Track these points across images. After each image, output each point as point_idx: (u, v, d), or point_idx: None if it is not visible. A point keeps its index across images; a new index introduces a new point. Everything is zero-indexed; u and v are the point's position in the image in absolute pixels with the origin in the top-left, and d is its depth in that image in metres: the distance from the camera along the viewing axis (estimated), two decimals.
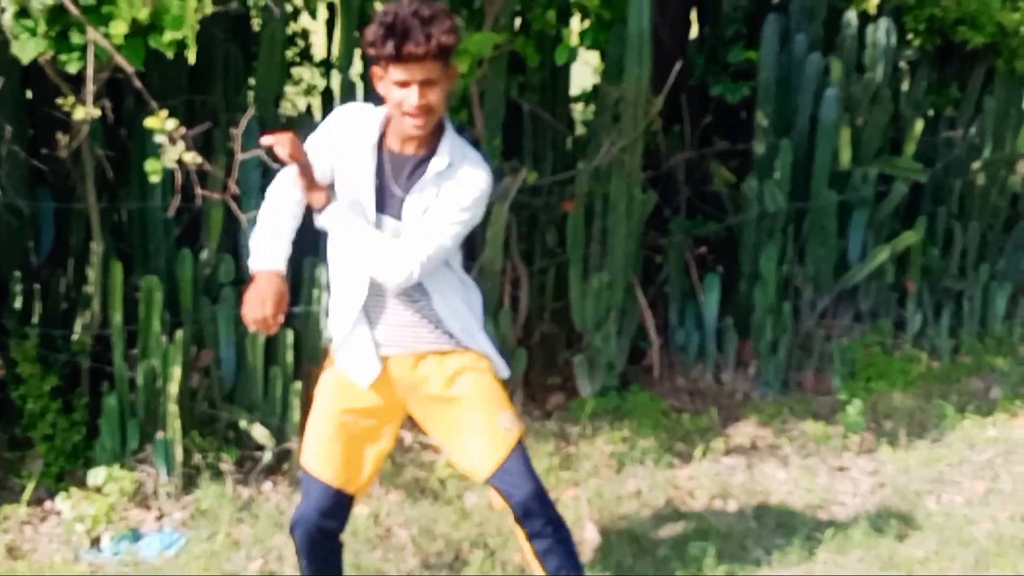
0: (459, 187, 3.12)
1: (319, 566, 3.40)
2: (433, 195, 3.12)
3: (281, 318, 3.14)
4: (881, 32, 5.92)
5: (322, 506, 3.27)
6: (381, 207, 3.14)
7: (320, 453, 3.29)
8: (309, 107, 5.52)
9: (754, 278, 5.83)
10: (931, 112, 6.60)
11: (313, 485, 3.28)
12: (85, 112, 3.80)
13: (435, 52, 2.93)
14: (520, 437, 3.29)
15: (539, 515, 3.29)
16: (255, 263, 3.18)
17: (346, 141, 3.16)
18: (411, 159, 3.14)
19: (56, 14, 3.72)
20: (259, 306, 3.10)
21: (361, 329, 3.22)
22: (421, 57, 2.92)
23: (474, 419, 3.27)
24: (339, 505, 3.30)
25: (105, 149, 4.64)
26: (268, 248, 3.19)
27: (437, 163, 3.11)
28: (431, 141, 3.14)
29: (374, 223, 3.12)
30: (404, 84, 2.97)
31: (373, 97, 5.07)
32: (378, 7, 5.07)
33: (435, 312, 3.23)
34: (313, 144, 3.17)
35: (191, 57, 3.80)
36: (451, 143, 3.15)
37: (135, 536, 4.27)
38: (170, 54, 3.80)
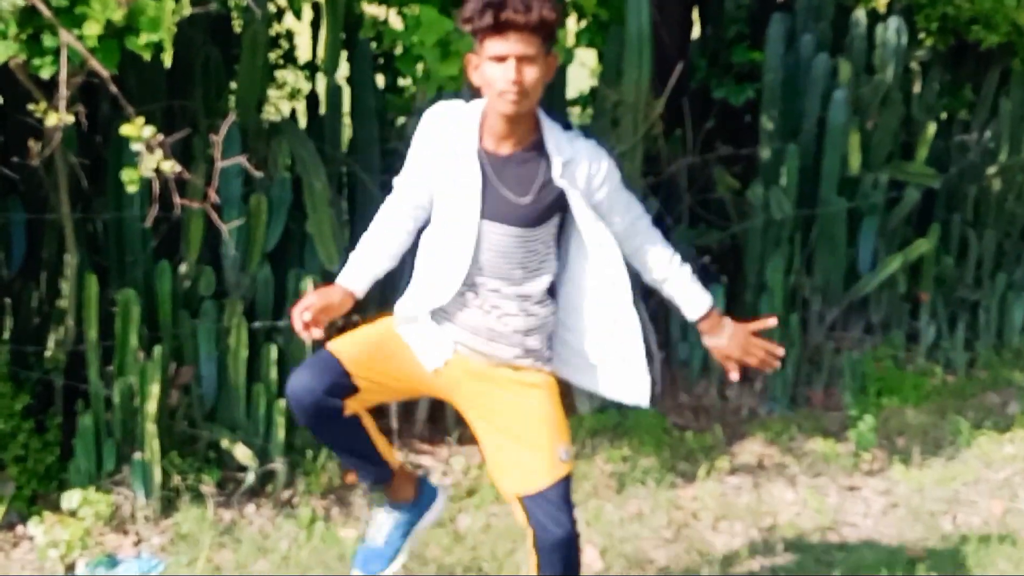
0: (604, 178, 3.16)
1: (340, 433, 3.36)
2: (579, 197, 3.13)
3: (318, 330, 3.15)
4: (891, 32, 5.94)
5: (329, 383, 3.19)
6: (489, 213, 3.10)
7: (352, 344, 3.28)
8: (293, 112, 5.53)
9: (760, 289, 5.84)
10: (944, 115, 6.62)
11: (330, 363, 3.22)
12: (58, 118, 3.80)
13: (535, 23, 2.90)
14: (570, 473, 3.26)
15: (564, 558, 3.26)
16: (340, 278, 3.26)
17: (447, 145, 3.13)
18: (513, 160, 3.10)
19: (27, 16, 3.72)
20: (311, 296, 3.16)
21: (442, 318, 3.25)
22: (521, 27, 2.90)
23: (534, 435, 3.25)
24: (342, 391, 3.21)
25: (79, 157, 4.63)
26: (354, 270, 3.28)
27: (555, 166, 3.08)
28: (528, 138, 3.11)
29: (478, 230, 3.10)
30: (501, 59, 2.94)
31: (360, 102, 5.11)
32: (365, 7, 5.13)
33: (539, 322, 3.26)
34: (412, 149, 3.20)
35: (167, 60, 3.79)
36: (555, 139, 3.12)
37: (112, 562, 4.26)
38: (147, 57, 3.79)
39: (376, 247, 3.29)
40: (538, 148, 3.10)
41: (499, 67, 2.94)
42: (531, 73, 2.95)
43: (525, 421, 3.26)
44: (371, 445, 3.38)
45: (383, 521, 3.61)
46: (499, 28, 2.91)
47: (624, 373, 3.32)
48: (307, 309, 3.13)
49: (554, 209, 3.13)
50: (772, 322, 3.28)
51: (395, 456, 3.57)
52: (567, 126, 3.22)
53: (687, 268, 3.36)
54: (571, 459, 3.27)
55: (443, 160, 3.13)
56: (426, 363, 3.26)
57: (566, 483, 3.24)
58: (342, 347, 3.24)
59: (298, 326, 3.15)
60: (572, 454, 3.29)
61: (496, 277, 3.15)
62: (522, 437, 3.25)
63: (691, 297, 3.34)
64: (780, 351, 3.30)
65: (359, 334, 3.34)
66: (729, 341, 3.30)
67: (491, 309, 3.19)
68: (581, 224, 3.15)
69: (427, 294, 3.24)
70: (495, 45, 2.93)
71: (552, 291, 3.26)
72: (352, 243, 5.10)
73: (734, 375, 3.28)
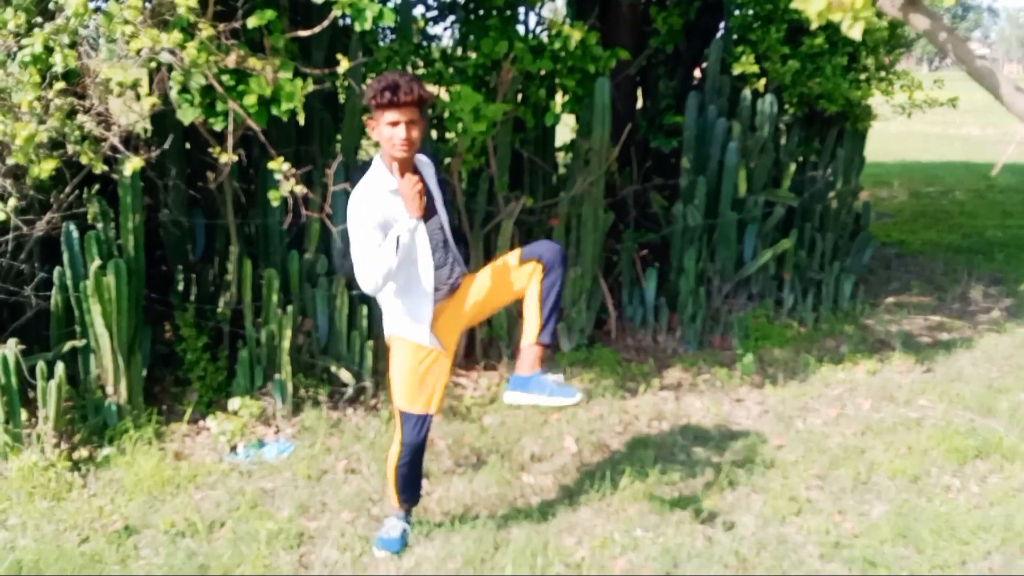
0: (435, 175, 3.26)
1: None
2: (434, 188, 3.22)
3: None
4: (767, 104, 5.92)
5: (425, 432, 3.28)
6: (427, 216, 3.17)
7: (433, 396, 3.28)
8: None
9: (680, 271, 5.84)
10: (801, 158, 6.61)
11: (421, 420, 3.26)
12: (227, 157, 3.82)
13: (416, 100, 2.97)
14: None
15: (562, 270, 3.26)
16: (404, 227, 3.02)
17: (381, 204, 3.04)
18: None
19: (207, 90, 3.74)
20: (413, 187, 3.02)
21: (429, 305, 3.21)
22: (408, 103, 2.96)
23: (496, 276, 3.30)
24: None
25: (240, 183, 4.67)
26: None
27: (427, 174, 3.20)
28: (413, 166, 3.15)
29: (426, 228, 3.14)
30: (395, 124, 2.99)
31: (420, 149, 5.10)
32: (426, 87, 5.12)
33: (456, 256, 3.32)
34: (368, 224, 3.01)
35: (301, 119, 3.82)
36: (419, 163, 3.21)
37: (260, 444, 4.30)
38: (284, 118, 3.82)
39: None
40: (415, 170, 3.15)
41: (393, 129, 3.00)
42: (415, 131, 3.02)
43: (485, 277, 3.32)
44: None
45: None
46: (393, 104, 2.96)
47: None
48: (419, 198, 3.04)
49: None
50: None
51: None
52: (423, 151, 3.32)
53: None
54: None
55: (387, 211, 3.04)
56: (426, 343, 3.23)
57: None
58: (404, 398, 3.25)
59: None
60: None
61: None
62: (493, 277, 3.31)
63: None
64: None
65: (402, 372, 3.26)
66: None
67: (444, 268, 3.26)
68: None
69: (417, 291, 3.17)
70: (390, 115, 2.98)
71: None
72: None
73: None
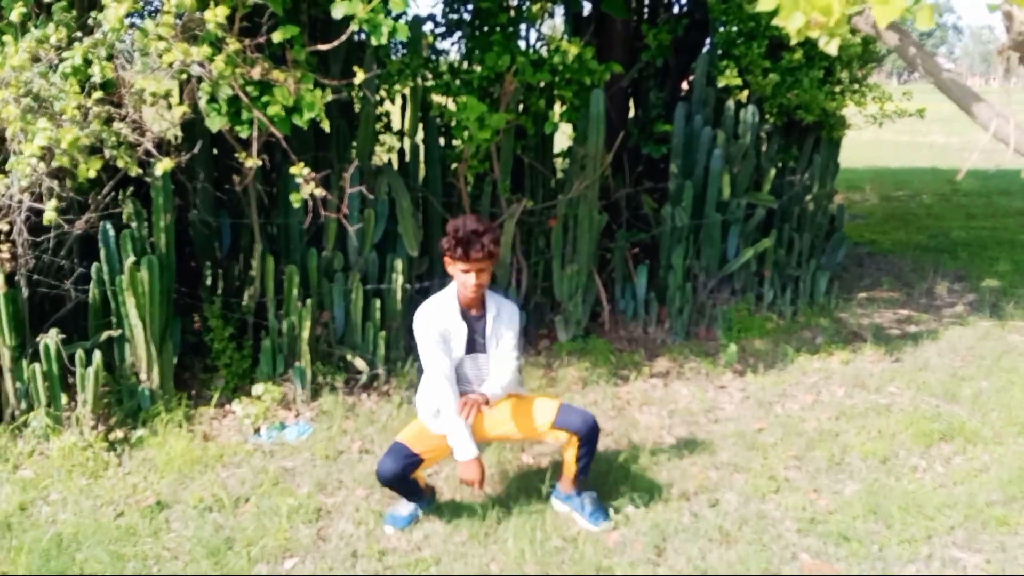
0: (509, 325, 3.30)
1: (407, 489, 3.45)
2: (498, 333, 3.28)
3: (485, 485, 3.24)
4: (749, 114, 5.92)
5: (404, 464, 3.27)
6: (470, 349, 3.28)
7: (411, 435, 3.36)
8: (389, 160, 5.54)
9: (668, 268, 5.84)
10: (780, 164, 6.61)
11: (402, 450, 3.29)
12: (251, 162, 3.83)
13: (487, 256, 3.10)
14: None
15: (591, 437, 3.33)
16: (463, 455, 3.15)
17: (442, 320, 3.22)
18: (479, 317, 3.27)
19: (233, 100, 3.74)
20: (474, 480, 3.15)
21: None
22: (479, 259, 3.09)
23: (523, 427, 3.35)
24: (413, 466, 3.30)
25: (263, 185, 4.67)
26: (468, 443, 3.16)
27: (490, 315, 3.26)
28: (483, 302, 3.27)
29: (462, 359, 3.26)
30: (467, 272, 3.12)
31: (430, 154, 5.11)
32: (433, 97, 5.13)
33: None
34: (428, 336, 3.19)
35: (326, 126, 3.82)
36: (492, 299, 3.29)
37: (282, 427, 4.31)
38: (306, 127, 3.82)
39: (464, 421, 3.18)
40: (486, 308, 3.28)
41: (466, 275, 3.13)
42: (484, 277, 3.15)
43: (511, 422, 3.36)
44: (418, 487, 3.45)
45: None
46: (466, 258, 3.09)
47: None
48: (482, 482, 3.16)
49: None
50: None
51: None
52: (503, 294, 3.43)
53: (504, 380, 3.31)
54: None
55: (443, 330, 3.20)
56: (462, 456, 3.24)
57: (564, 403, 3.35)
58: (406, 437, 3.32)
59: (478, 489, 3.21)
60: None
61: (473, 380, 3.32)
62: (519, 405, 3.36)
63: (488, 385, 3.31)
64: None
65: (414, 427, 3.37)
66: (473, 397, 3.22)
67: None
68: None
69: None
70: (463, 265, 3.12)
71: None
72: (425, 239, 5.14)
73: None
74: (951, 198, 11.82)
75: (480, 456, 3.19)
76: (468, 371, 3.31)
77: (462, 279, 3.15)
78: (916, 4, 1.90)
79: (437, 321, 3.21)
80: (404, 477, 3.27)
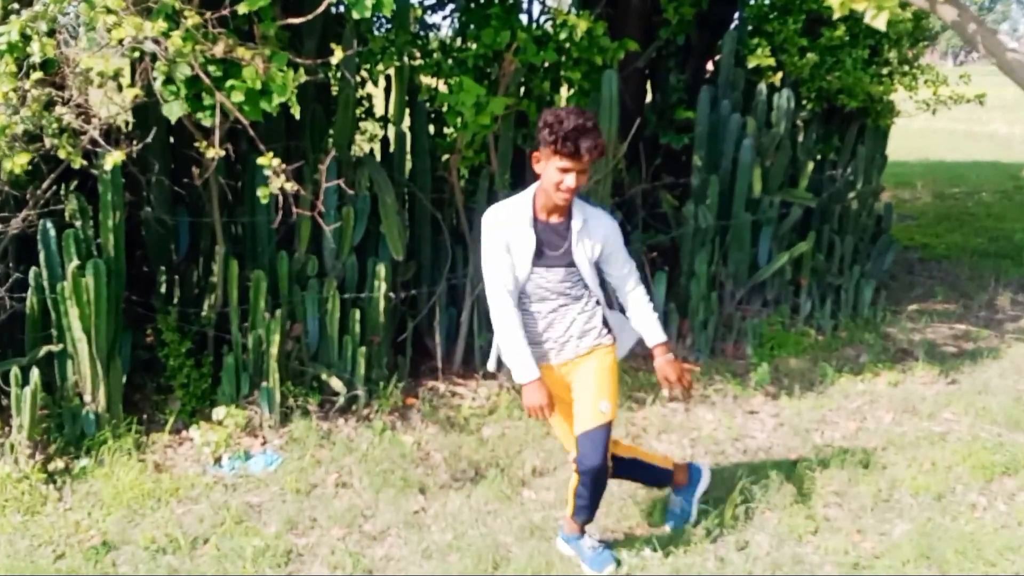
0: (607, 233, 3.25)
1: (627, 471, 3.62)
2: (588, 249, 3.20)
3: (551, 410, 3.18)
4: (784, 99, 5.93)
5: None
6: (537, 262, 3.18)
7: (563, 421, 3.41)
8: (372, 150, 5.55)
9: (691, 275, 5.84)
10: (819, 156, 6.62)
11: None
12: (213, 152, 3.82)
13: (599, 154, 3.03)
14: (609, 422, 3.27)
15: (593, 481, 3.31)
16: (522, 377, 3.15)
17: (510, 228, 3.16)
18: (557, 226, 3.19)
19: (193, 81, 3.74)
20: (540, 406, 3.14)
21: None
22: (589, 158, 3.01)
23: (587, 391, 3.30)
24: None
25: (226, 179, 4.67)
26: (527, 364, 3.15)
27: (575, 224, 3.18)
28: (568, 209, 3.20)
29: (530, 272, 3.17)
30: (566, 171, 3.03)
31: (418, 143, 5.12)
32: (422, 78, 5.13)
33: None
34: (492, 243, 3.16)
35: (296, 112, 3.81)
36: (579, 207, 3.22)
37: (246, 456, 4.29)
38: (275, 112, 3.82)
39: (522, 339, 3.18)
40: (569, 216, 3.21)
41: (564, 175, 3.03)
42: (582, 180, 3.07)
43: (584, 381, 3.32)
44: (650, 467, 3.60)
45: (674, 500, 3.77)
46: (575, 154, 2.99)
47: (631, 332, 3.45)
48: (550, 409, 3.16)
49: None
50: (696, 369, 3.26)
51: (668, 460, 3.73)
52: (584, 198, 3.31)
53: (652, 307, 3.37)
54: (610, 412, 3.26)
55: (509, 238, 3.16)
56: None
57: (604, 429, 3.25)
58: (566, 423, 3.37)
59: (542, 417, 3.18)
60: (611, 408, 3.26)
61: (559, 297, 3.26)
62: (581, 393, 3.31)
63: (651, 331, 3.36)
64: (696, 370, 3.32)
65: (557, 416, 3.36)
66: (668, 365, 3.35)
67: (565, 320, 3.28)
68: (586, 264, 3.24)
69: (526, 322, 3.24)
70: (565, 162, 3.02)
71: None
72: (412, 241, 5.14)
73: (665, 391, 3.28)
74: (1014, 196, 11.84)
75: (542, 379, 3.15)
76: (534, 291, 3.22)
77: (557, 179, 3.04)
78: None
79: (505, 229, 3.15)
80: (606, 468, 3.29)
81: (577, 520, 3.45)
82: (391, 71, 5.04)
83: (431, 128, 5.26)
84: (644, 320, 3.36)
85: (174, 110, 3.73)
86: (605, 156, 3.11)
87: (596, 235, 3.22)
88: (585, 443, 3.25)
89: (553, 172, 3.04)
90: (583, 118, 2.99)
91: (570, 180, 3.03)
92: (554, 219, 3.19)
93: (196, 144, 3.96)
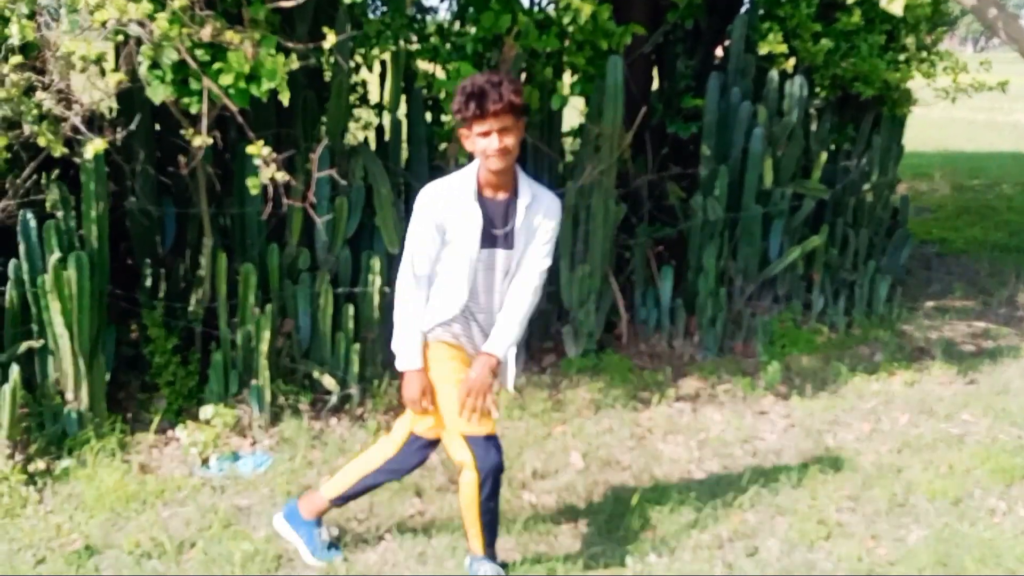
0: (546, 217, 3.17)
1: None
2: (530, 227, 3.15)
3: (429, 402, 3.16)
4: (796, 86, 5.92)
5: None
6: (485, 243, 3.11)
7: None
8: (366, 139, 5.54)
9: (699, 270, 5.84)
10: (833, 147, 6.61)
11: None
12: (201, 140, 3.82)
13: (507, 107, 2.97)
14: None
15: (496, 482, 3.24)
16: (404, 364, 3.14)
17: (447, 208, 3.09)
18: (502, 203, 3.12)
19: (179, 66, 3.73)
20: (418, 399, 3.14)
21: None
22: (498, 111, 2.96)
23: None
24: None
25: (214, 168, 4.66)
26: (413, 352, 3.14)
27: (522, 202, 3.13)
28: (512, 184, 3.14)
29: (477, 256, 3.11)
30: (486, 134, 2.99)
31: (414, 132, 5.11)
32: (419, 64, 5.13)
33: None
34: (423, 222, 3.11)
35: (285, 99, 3.81)
36: (527, 183, 3.17)
37: (235, 457, 4.30)
38: (265, 98, 3.81)
39: (417, 329, 3.16)
40: (515, 193, 3.15)
41: (485, 139, 3.00)
42: (510, 139, 3.02)
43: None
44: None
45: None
46: (482, 114, 2.97)
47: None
48: (425, 400, 3.15)
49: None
50: (495, 411, 3.12)
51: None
52: (535, 177, 3.26)
53: (523, 317, 3.23)
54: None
55: (448, 219, 3.09)
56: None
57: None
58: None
59: (423, 413, 3.18)
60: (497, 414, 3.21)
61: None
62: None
63: (497, 337, 3.20)
64: (495, 412, 3.16)
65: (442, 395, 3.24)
66: (478, 380, 3.12)
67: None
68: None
69: (442, 310, 3.18)
70: (480, 126, 3.00)
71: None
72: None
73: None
74: None
75: (424, 370, 3.12)
76: (480, 273, 3.15)
77: (482, 145, 3.00)
78: None
79: (442, 206, 3.08)
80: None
81: (332, 500, 3.48)
82: (386, 56, 5.03)
83: (428, 116, 5.25)
84: (505, 320, 3.20)
85: (158, 92, 3.73)
86: (524, 109, 3.05)
87: (540, 215, 3.17)
88: (480, 443, 3.18)
89: (476, 140, 3.03)
90: (484, 77, 3.00)
91: (493, 141, 2.99)
92: (500, 195, 3.13)
93: (183, 132, 3.95)
